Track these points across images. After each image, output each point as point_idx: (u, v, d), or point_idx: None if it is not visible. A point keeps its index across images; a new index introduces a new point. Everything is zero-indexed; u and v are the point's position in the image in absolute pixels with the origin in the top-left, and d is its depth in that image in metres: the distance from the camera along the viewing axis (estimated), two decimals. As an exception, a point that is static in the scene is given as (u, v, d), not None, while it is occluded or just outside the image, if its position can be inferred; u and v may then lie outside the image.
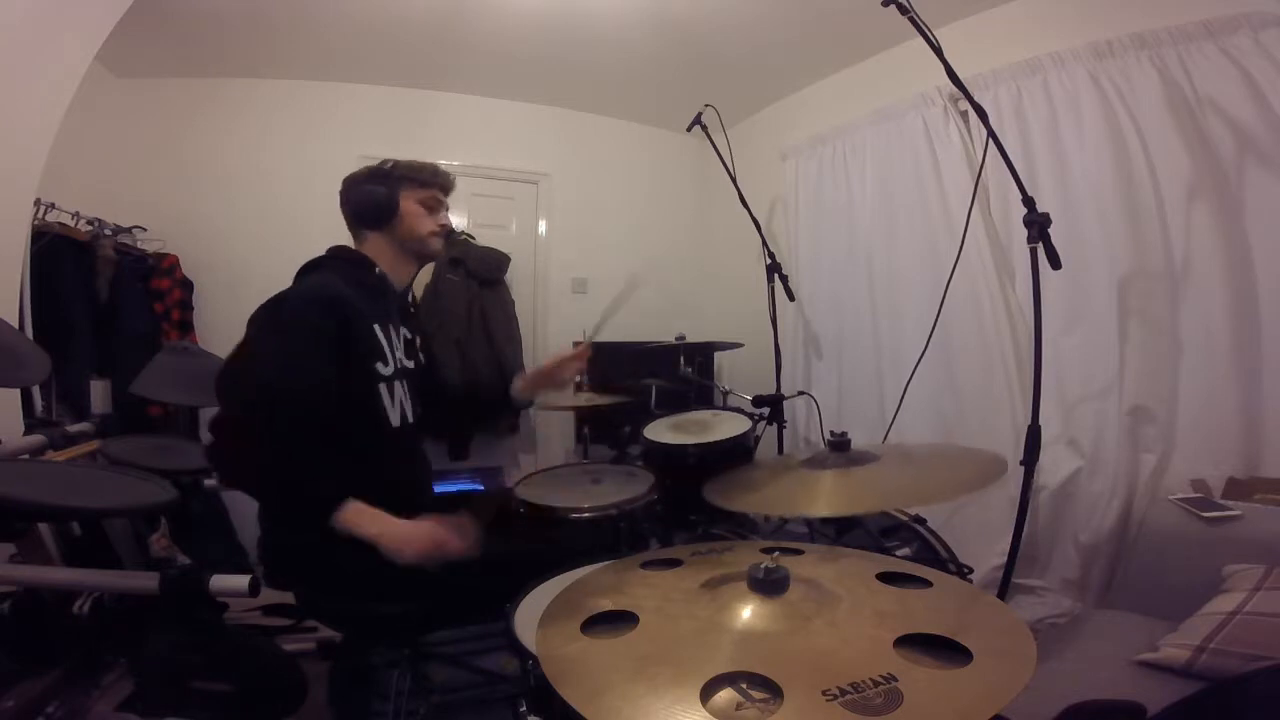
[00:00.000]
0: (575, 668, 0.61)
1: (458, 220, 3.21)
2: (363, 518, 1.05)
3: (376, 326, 1.26)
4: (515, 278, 3.29)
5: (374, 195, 1.31)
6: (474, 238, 3.17)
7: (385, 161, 1.36)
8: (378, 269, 1.33)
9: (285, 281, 1.27)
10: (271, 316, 1.16)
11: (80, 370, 2.34)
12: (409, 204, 1.34)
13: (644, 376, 2.37)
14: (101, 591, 1.20)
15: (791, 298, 2.75)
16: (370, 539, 1.04)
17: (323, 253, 1.34)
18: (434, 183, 1.37)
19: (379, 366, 1.26)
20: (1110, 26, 2.00)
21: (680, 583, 0.77)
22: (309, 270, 1.30)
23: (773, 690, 0.54)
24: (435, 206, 1.38)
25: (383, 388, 1.26)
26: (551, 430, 3.48)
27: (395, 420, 1.28)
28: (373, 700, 1.44)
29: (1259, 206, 1.78)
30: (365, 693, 1.45)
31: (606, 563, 0.94)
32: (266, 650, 1.54)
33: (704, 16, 2.55)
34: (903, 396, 2.01)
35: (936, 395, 2.39)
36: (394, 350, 1.30)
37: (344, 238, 1.38)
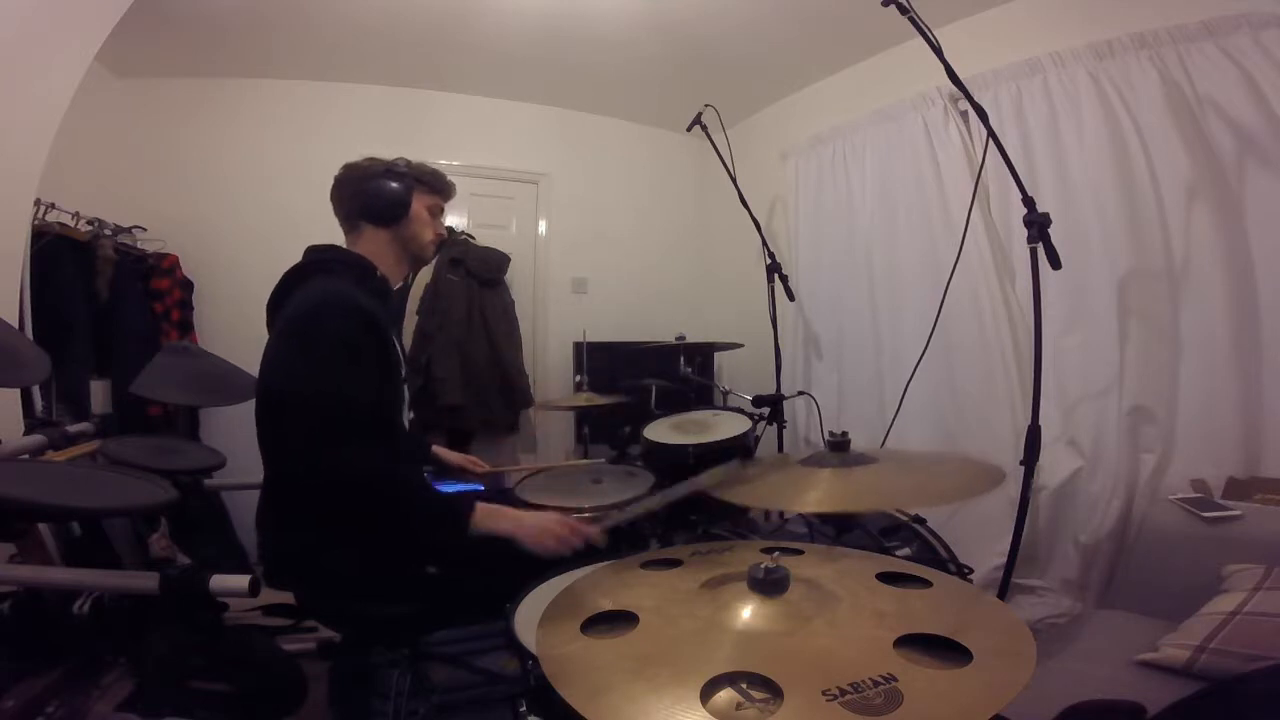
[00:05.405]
0: (575, 668, 0.61)
1: (458, 220, 3.21)
2: (495, 518, 1.10)
3: (393, 336, 1.26)
4: (515, 278, 3.29)
5: (391, 191, 1.28)
6: (474, 238, 3.17)
7: (398, 160, 1.33)
8: (379, 272, 1.30)
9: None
10: (323, 331, 1.10)
11: (80, 370, 2.34)
12: (418, 207, 1.32)
13: (644, 376, 2.37)
14: (101, 591, 1.20)
15: (791, 298, 2.75)
16: (505, 535, 1.08)
17: (305, 253, 1.29)
18: (443, 190, 1.37)
19: (398, 375, 1.26)
20: (1110, 26, 2.00)
21: (680, 583, 0.77)
22: (316, 273, 1.24)
23: (773, 690, 0.54)
24: (438, 214, 1.38)
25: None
26: (552, 430, 3.48)
27: (405, 423, 1.31)
28: (373, 700, 1.43)
29: (1259, 206, 1.78)
30: (365, 693, 1.44)
31: (606, 563, 0.94)
32: (266, 650, 1.54)
33: (704, 17, 2.55)
34: (903, 396, 2.01)
35: (936, 395, 2.39)
36: (403, 355, 1.31)
37: (341, 237, 1.34)
